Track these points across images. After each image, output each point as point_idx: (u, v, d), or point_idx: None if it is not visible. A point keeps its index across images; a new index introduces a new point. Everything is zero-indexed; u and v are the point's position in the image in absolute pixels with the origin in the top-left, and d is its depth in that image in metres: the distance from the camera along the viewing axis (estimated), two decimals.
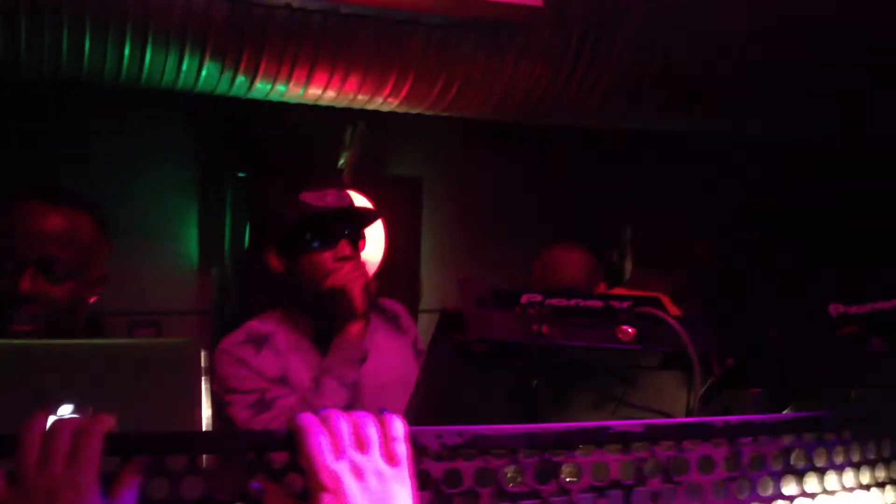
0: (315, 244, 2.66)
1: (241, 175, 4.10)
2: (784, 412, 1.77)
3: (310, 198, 2.69)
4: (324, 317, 2.67)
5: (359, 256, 2.72)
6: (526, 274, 3.68)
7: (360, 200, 3.30)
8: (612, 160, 4.71)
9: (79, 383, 1.57)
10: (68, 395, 1.54)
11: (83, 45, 3.22)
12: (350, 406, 2.54)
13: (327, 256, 2.66)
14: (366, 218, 2.82)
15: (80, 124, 4.06)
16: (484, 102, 3.76)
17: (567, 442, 1.39)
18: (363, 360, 2.63)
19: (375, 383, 2.65)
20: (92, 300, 2.40)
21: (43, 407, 1.45)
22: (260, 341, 2.67)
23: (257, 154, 4.20)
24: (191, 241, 4.35)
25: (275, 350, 2.66)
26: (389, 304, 2.94)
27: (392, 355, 2.78)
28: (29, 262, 2.21)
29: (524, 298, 1.69)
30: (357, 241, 2.73)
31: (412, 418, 1.82)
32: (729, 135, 4.48)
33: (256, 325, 2.73)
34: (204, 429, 1.60)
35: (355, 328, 2.63)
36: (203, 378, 1.63)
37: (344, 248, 2.67)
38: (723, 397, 1.87)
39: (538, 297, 1.69)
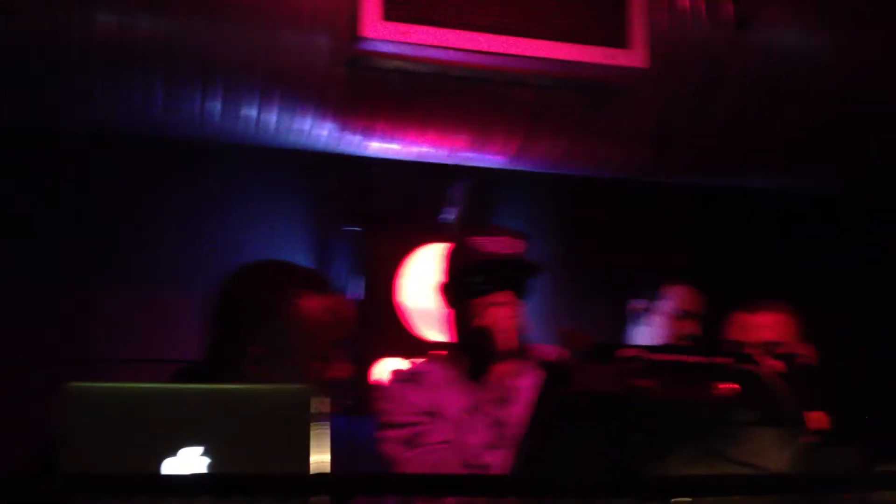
0: (478, 288, 2.76)
1: (352, 229, 4.22)
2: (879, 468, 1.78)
3: (480, 243, 2.80)
4: (474, 355, 2.77)
5: (515, 302, 2.78)
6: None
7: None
8: (724, 219, 4.69)
9: (200, 426, 1.67)
10: (190, 436, 1.65)
11: (203, 106, 3.39)
12: (495, 445, 2.62)
13: (486, 300, 2.75)
14: (529, 270, 2.86)
15: (194, 182, 4.22)
16: (588, 161, 3.82)
17: (662, 492, 1.43)
18: (506, 400, 2.70)
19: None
20: None
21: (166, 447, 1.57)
22: (414, 377, 2.79)
23: (368, 209, 4.33)
24: None
25: (428, 383, 2.76)
26: (547, 350, 2.90)
27: None
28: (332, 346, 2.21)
29: (625, 352, 1.74)
30: (517, 290, 2.79)
31: (517, 469, 1.89)
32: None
33: (415, 364, 2.88)
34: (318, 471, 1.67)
35: (500, 368, 2.73)
36: (323, 423, 1.70)
37: (502, 294, 2.75)
38: (821, 454, 1.88)
39: (638, 352, 1.74)
